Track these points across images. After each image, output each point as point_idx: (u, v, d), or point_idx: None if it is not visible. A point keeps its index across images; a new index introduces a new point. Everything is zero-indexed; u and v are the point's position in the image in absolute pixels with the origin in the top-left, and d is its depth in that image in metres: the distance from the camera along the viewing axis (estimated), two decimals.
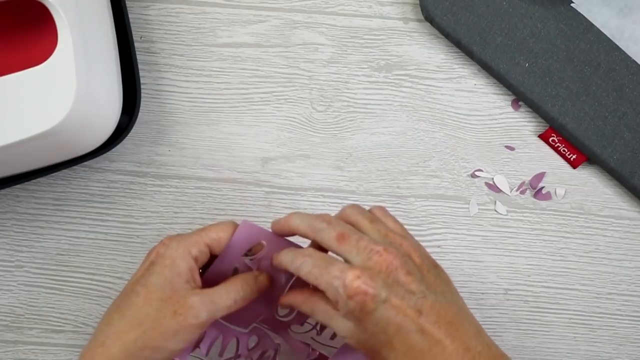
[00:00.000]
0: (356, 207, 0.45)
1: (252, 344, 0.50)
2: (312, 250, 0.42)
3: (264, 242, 0.46)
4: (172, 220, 0.55)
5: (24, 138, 0.43)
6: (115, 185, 0.55)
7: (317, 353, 0.50)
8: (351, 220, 0.43)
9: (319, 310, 0.42)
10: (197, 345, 0.48)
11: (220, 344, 0.49)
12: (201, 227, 0.46)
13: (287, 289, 0.47)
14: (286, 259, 0.43)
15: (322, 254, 0.42)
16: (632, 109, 0.54)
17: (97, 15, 0.49)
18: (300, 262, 0.42)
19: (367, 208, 0.45)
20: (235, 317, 0.47)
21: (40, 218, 0.55)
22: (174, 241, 0.44)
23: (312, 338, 0.50)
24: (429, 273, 0.41)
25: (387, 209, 0.55)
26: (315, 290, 0.42)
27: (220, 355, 0.50)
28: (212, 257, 0.45)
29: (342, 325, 0.41)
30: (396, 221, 0.44)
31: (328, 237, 0.41)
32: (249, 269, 0.46)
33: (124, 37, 0.52)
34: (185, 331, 0.42)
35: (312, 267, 0.41)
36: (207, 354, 0.49)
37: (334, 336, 0.49)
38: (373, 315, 0.39)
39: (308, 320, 0.49)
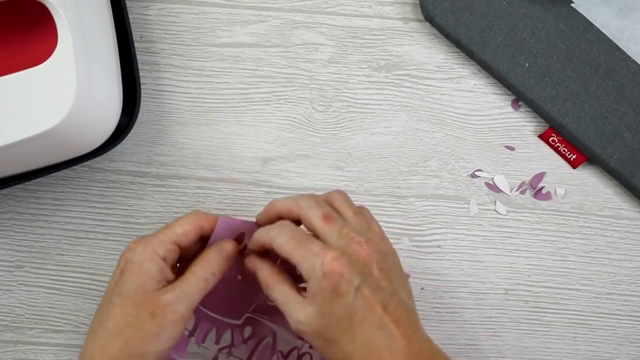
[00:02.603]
0: (343, 195, 0.45)
1: (247, 334, 0.50)
2: (289, 223, 0.42)
3: (244, 233, 0.45)
4: (172, 220, 0.55)
5: (24, 138, 0.43)
6: (115, 185, 0.55)
7: None
8: (336, 206, 0.44)
9: (281, 290, 0.41)
10: (192, 334, 0.48)
11: (214, 335, 0.49)
12: None
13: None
14: (261, 232, 0.43)
15: (300, 229, 0.42)
16: (632, 109, 0.54)
17: (97, 15, 0.49)
18: (275, 232, 0.41)
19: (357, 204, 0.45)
20: (226, 308, 0.47)
21: (40, 218, 0.55)
22: (139, 245, 0.43)
23: None
24: (397, 278, 0.42)
25: (387, 209, 0.55)
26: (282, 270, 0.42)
27: (217, 343, 0.50)
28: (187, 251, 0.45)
29: (301, 311, 0.40)
30: (378, 225, 0.45)
31: (313, 215, 0.41)
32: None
33: (124, 37, 0.52)
34: (167, 329, 0.41)
35: (289, 239, 0.41)
36: (203, 341, 0.49)
37: None
38: (344, 299, 0.39)
39: None
